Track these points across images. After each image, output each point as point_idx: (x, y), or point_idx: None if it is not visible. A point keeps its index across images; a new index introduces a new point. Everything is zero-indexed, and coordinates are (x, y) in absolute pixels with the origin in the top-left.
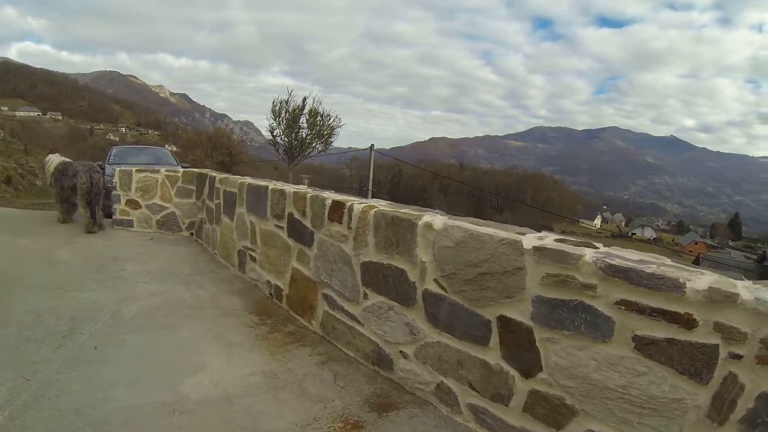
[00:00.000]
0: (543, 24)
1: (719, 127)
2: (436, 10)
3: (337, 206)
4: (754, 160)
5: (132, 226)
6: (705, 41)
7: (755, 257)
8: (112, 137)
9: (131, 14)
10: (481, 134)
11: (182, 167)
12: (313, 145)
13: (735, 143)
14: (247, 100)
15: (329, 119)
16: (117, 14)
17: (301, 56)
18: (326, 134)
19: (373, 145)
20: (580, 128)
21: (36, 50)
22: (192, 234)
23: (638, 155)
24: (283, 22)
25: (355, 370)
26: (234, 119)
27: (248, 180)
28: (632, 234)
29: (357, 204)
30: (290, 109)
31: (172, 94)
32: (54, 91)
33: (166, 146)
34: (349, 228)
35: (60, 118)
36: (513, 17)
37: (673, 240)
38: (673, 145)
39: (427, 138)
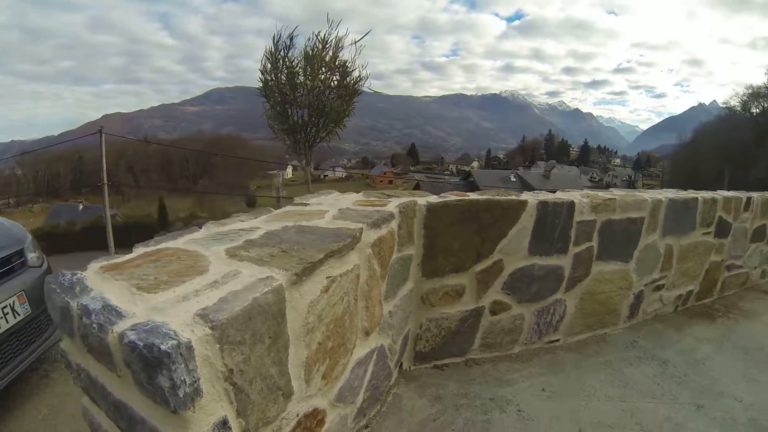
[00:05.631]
0: None
1: (389, 75)
2: None
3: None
4: (419, 100)
5: None
6: (381, 4)
7: (459, 177)
8: None
9: None
10: (156, 103)
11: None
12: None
13: (402, 87)
14: None
15: (350, 67)
16: None
17: None
18: (349, 96)
19: (102, 127)
20: (257, 85)
21: None
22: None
23: None
24: None
25: None
26: None
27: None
28: (325, 176)
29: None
30: (311, 52)
31: None
32: None
33: None
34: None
35: None
36: None
37: (363, 174)
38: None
39: (99, 116)
